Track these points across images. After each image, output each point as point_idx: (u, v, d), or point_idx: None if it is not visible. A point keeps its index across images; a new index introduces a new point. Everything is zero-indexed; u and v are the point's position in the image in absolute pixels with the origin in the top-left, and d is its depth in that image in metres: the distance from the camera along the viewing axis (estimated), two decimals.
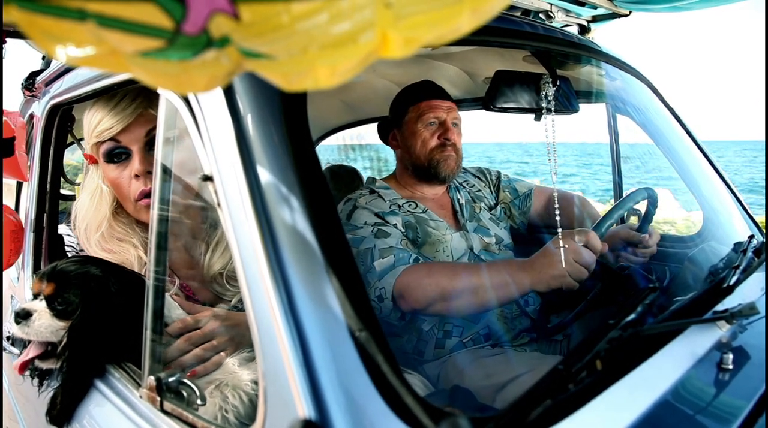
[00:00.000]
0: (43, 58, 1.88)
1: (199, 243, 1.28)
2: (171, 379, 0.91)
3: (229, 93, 0.81)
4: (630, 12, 1.79)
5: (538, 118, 1.70)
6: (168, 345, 1.01)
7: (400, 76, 2.37)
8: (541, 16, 1.71)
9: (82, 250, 1.38)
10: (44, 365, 1.13)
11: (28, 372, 1.16)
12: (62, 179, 1.62)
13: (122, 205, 1.33)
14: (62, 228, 1.53)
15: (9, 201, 1.93)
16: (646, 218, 1.60)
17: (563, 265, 1.25)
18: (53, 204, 1.55)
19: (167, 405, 0.89)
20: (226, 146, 0.79)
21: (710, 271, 1.44)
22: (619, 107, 2.11)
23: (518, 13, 1.72)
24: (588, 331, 1.61)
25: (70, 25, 0.37)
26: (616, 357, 0.89)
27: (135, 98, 1.25)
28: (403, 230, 1.61)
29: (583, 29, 1.86)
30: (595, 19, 1.84)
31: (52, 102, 1.55)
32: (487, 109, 1.71)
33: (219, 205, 0.79)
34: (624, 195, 1.92)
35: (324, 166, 2.91)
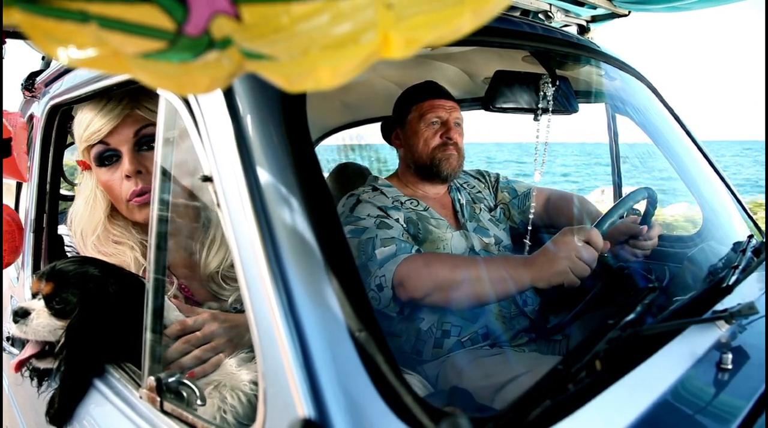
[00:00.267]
0: (43, 58, 1.88)
1: (196, 242, 1.29)
2: (171, 379, 0.91)
3: (228, 94, 0.81)
4: (629, 12, 1.79)
5: (536, 118, 1.71)
6: (167, 347, 1.01)
7: (400, 76, 2.37)
8: (540, 16, 1.71)
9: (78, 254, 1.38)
10: (41, 364, 1.13)
11: (26, 372, 1.16)
12: (62, 179, 1.62)
13: (116, 207, 1.33)
14: (62, 229, 1.53)
15: (9, 201, 1.93)
16: (646, 217, 1.61)
17: (565, 262, 1.25)
18: (53, 204, 1.55)
19: (167, 406, 0.89)
20: (225, 147, 0.79)
21: (709, 271, 1.44)
22: (618, 107, 2.11)
23: (517, 14, 1.72)
24: (587, 331, 1.61)
25: (72, 26, 0.37)
26: (616, 357, 0.89)
27: (121, 100, 1.25)
28: (404, 225, 1.62)
29: (583, 29, 1.86)
30: (595, 19, 1.85)
31: (52, 102, 1.55)
32: (487, 109, 1.72)
33: (219, 205, 0.79)
34: (623, 195, 1.92)
35: (335, 164, 2.92)
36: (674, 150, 1.81)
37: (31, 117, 1.72)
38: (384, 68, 2.27)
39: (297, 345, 0.67)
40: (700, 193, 1.83)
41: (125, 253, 1.28)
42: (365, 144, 3.05)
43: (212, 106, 0.82)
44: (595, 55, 1.64)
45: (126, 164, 1.26)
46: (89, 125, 1.26)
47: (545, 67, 1.67)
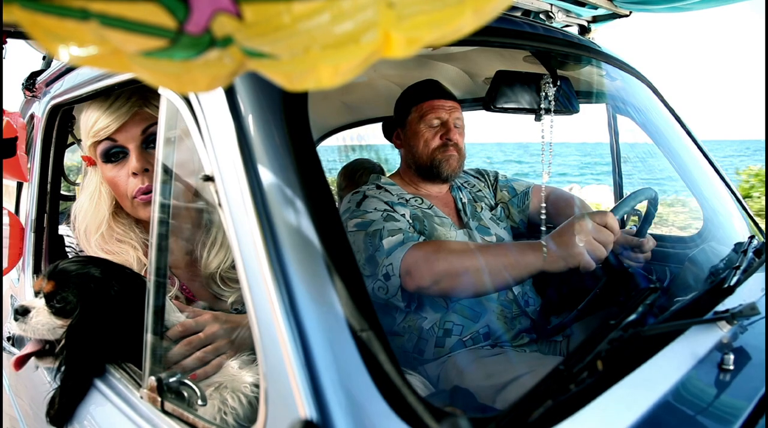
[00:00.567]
0: (44, 58, 1.88)
1: (197, 242, 1.29)
2: (172, 380, 0.91)
3: (230, 93, 0.81)
4: (630, 12, 1.79)
5: (538, 118, 1.70)
6: (168, 349, 1.01)
7: (401, 76, 2.37)
8: (541, 16, 1.71)
9: (82, 251, 1.38)
10: (42, 364, 1.13)
11: (25, 370, 1.16)
12: (62, 179, 1.62)
13: (121, 204, 1.33)
14: (62, 229, 1.53)
15: (9, 202, 1.93)
16: (647, 218, 1.61)
17: (582, 244, 1.23)
18: (53, 204, 1.55)
19: (168, 406, 0.89)
20: (227, 146, 0.79)
21: (711, 272, 1.44)
22: (619, 107, 2.11)
23: (518, 14, 1.72)
24: (588, 332, 1.61)
25: (73, 24, 0.37)
26: (617, 357, 0.89)
27: (130, 97, 1.25)
28: (410, 221, 1.63)
29: (584, 29, 1.86)
30: (596, 19, 1.85)
31: (53, 102, 1.55)
32: (488, 109, 1.71)
33: (220, 205, 0.79)
34: (624, 195, 1.92)
35: (339, 163, 2.94)
36: (675, 150, 1.80)
37: (32, 117, 1.72)
38: (385, 68, 2.27)
39: (298, 345, 0.67)
40: (701, 193, 1.83)
41: (128, 252, 1.28)
42: (366, 144, 3.06)
43: (214, 105, 0.82)
44: (596, 55, 1.64)
45: (133, 161, 1.27)
46: (97, 121, 1.26)
47: (546, 67, 1.67)
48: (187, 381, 0.92)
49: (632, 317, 0.98)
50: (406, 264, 1.42)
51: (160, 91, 0.97)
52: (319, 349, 0.67)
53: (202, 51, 0.38)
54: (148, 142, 1.28)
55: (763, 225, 1.77)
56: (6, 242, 1.56)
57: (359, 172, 2.84)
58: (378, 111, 2.80)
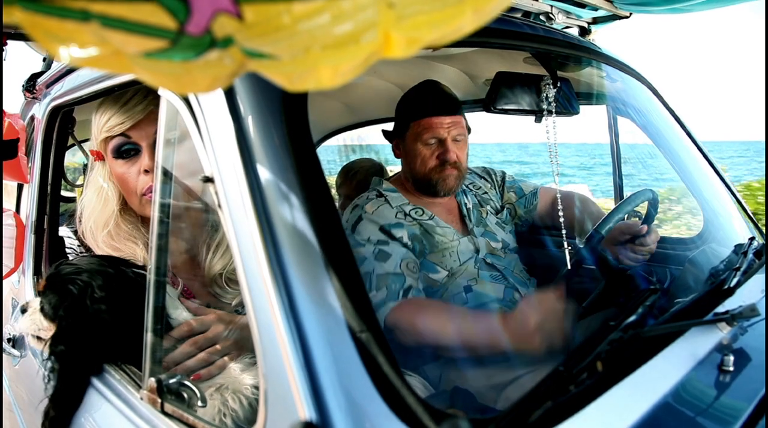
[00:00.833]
0: (44, 59, 1.89)
1: (201, 244, 1.29)
2: (172, 381, 0.91)
3: (230, 94, 0.81)
4: (630, 14, 1.79)
5: (538, 119, 1.70)
6: (173, 348, 1.01)
7: (401, 77, 2.37)
8: (541, 17, 1.71)
9: (83, 252, 1.38)
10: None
11: (26, 370, 1.16)
12: (63, 181, 1.62)
13: (127, 200, 1.34)
14: (63, 231, 1.53)
15: (9, 203, 1.93)
16: (647, 220, 1.61)
17: (537, 327, 1.18)
18: (54, 206, 1.55)
19: (168, 407, 0.89)
20: (226, 147, 0.79)
21: (711, 273, 1.44)
22: (619, 109, 2.11)
23: (519, 15, 1.72)
24: (588, 333, 1.61)
25: (74, 25, 0.37)
26: (617, 358, 0.89)
27: (146, 95, 1.26)
28: (409, 243, 1.59)
29: (584, 31, 1.86)
30: (596, 20, 1.85)
31: (53, 104, 1.55)
32: (488, 110, 1.71)
33: (220, 206, 0.79)
34: (625, 196, 1.92)
35: (338, 164, 2.92)
36: (675, 151, 1.80)
37: (32, 118, 1.72)
38: (385, 69, 2.27)
39: (298, 346, 0.67)
40: (701, 194, 1.83)
41: (134, 251, 1.29)
42: (366, 144, 3.06)
43: (213, 106, 0.82)
44: (596, 56, 1.64)
45: (146, 159, 1.27)
46: (112, 117, 1.26)
47: (546, 68, 1.67)
48: (187, 382, 0.92)
49: (632, 318, 0.98)
50: (388, 325, 1.41)
51: (160, 92, 0.97)
52: (318, 350, 0.67)
53: (202, 52, 0.38)
54: None
55: (763, 227, 1.77)
56: (12, 243, 1.57)
57: (353, 172, 2.80)
58: (378, 112, 2.80)
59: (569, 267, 1.46)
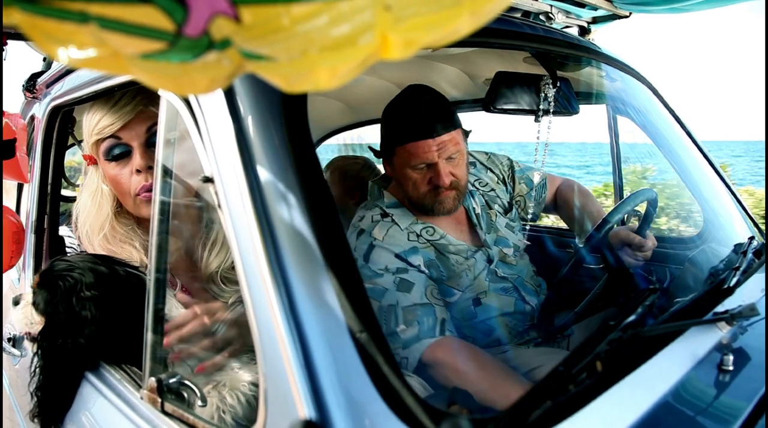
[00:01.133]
0: (44, 59, 1.89)
1: (198, 243, 1.29)
2: (172, 380, 0.91)
3: (229, 95, 0.81)
4: (630, 13, 1.79)
5: (537, 119, 1.70)
6: (168, 349, 1.01)
7: (401, 77, 2.37)
8: (541, 17, 1.71)
9: (83, 252, 1.38)
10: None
11: (25, 370, 1.16)
12: (63, 181, 1.62)
13: (122, 202, 1.34)
14: (63, 230, 1.53)
15: (9, 203, 1.93)
16: (646, 219, 1.60)
17: None
18: (54, 205, 1.55)
19: (168, 407, 0.89)
20: (226, 148, 0.79)
21: (710, 273, 1.44)
22: (619, 108, 2.11)
23: (518, 15, 1.72)
24: (589, 332, 1.61)
25: (72, 27, 0.37)
26: (617, 358, 0.89)
27: (135, 96, 1.26)
28: (426, 271, 1.52)
29: (583, 31, 1.86)
30: (595, 20, 1.85)
31: (53, 103, 1.55)
32: (488, 110, 1.70)
33: (219, 206, 0.79)
34: (624, 196, 1.92)
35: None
36: (675, 151, 1.80)
37: (32, 118, 1.73)
38: (384, 69, 2.27)
39: (298, 345, 0.67)
40: (701, 194, 1.83)
41: (131, 253, 1.29)
42: (365, 144, 3.05)
43: (213, 106, 0.82)
44: (595, 56, 1.64)
45: (137, 159, 1.27)
46: (102, 119, 1.27)
47: (546, 68, 1.67)
48: (187, 381, 0.92)
49: (632, 318, 0.98)
50: (425, 361, 1.35)
51: (160, 92, 0.97)
52: (318, 350, 0.67)
53: (200, 53, 0.38)
54: (152, 140, 1.29)
55: (762, 226, 1.77)
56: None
57: (342, 171, 2.50)
58: (378, 112, 2.78)
59: (569, 267, 1.46)
